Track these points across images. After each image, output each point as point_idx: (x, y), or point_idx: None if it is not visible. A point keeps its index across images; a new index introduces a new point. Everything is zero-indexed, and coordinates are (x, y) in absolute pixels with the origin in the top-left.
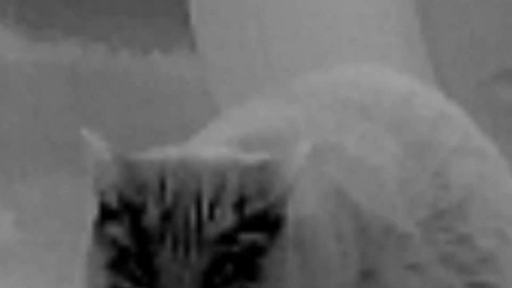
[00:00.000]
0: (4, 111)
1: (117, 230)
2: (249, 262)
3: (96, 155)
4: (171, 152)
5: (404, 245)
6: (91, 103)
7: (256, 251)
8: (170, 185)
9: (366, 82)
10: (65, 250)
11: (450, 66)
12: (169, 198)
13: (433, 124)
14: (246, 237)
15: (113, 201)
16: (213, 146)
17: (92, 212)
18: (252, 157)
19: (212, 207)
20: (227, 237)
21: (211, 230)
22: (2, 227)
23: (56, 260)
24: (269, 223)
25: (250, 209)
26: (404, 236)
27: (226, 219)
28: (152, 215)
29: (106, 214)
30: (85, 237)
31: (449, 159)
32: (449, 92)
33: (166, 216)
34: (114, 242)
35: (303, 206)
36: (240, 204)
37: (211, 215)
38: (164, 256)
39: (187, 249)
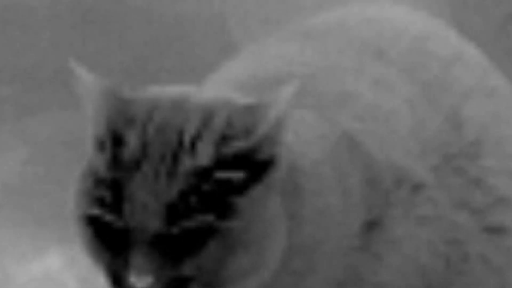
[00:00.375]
0: (17, 46)
1: (99, 160)
2: (220, 201)
3: (85, 87)
4: (169, 91)
5: (416, 198)
6: (105, 39)
7: (231, 190)
8: (156, 119)
9: (381, 21)
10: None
11: (467, 5)
12: (151, 131)
13: (447, 64)
14: (221, 175)
15: (100, 132)
16: (216, 87)
17: (88, 143)
18: (244, 99)
19: (193, 142)
20: (202, 173)
21: (187, 164)
22: (14, 162)
23: (66, 194)
24: (253, 163)
25: (230, 148)
26: (417, 187)
27: (204, 155)
28: (132, 147)
29: (96, 145)
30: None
31: (463, 99)
32: (465, 31)
33: (145, 148)
34: (93, 171)
35: (305, 154)
36: (221, 142)
37: (191, 150)
38: (135, 184)
39: (157, 179)
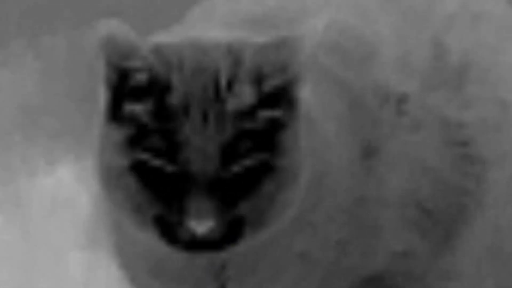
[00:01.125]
0: None
1: (138, 108)
2: (268, 137)
3: (121, 38)
4: (185, 34)
5: (402, 110)
6: None
7: (275, 127)
8: (188, 64)
9: None
10: (89, 100)
11: None
12: (189, 77)
13: None
14: (265, 114)
15: (141, 80)
16: (219, 27)
17: (104, 94)
18: (264, 37)
19: (230, 84)
20: (247, 114)
21: (231, 106)
22: (29, 78)
23: (81, 112)
24: (288, 98)
25: (268, 86)
26: (403, 97)
27: (245, 96)
28: (176, 93)
29: (126, 94)
30: (97, 121)
31: (446, 26)
32: None
33: (189, 93)
34: (132, 119)
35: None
36: (258, 81)
37: (230, 92)
38: (187, 130)
39: (208, 123)
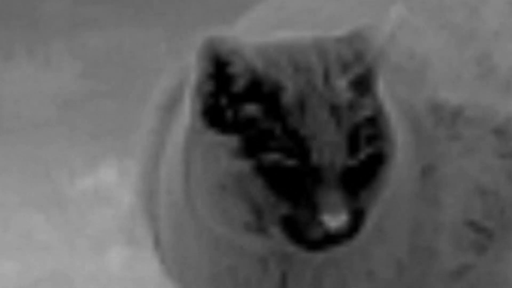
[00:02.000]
0: None
1: (253, 110)
2: (375, 124)
3: (221, 41)
4: (273, 36)
5: (458, 124)
6: None
7: (377, 113)
8: (293, 63)
9: None
10: (128, 100)
11: None
12: (295, 75)
13: (473, 7)
14: (367, 102)
15: (245, 84)
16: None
17: (195, 103)
18: (340, 31)
19: (334, 78)
20: (353, 103)
21: (340, 98)
22: (67, 77)
23: (120, 109)
24: (371, 86)
25: (355, 75)
26: (456, 112)
27: (341, 87)
28: (289, 92)
29: (232, 99)
30: (181, 132)
31: (492, 44)
32: None
33: (299, 91)
34: (249, 123)
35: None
36: (346, 71)
37: (327, 84)
38: (310, 127)
39: (327, 116)
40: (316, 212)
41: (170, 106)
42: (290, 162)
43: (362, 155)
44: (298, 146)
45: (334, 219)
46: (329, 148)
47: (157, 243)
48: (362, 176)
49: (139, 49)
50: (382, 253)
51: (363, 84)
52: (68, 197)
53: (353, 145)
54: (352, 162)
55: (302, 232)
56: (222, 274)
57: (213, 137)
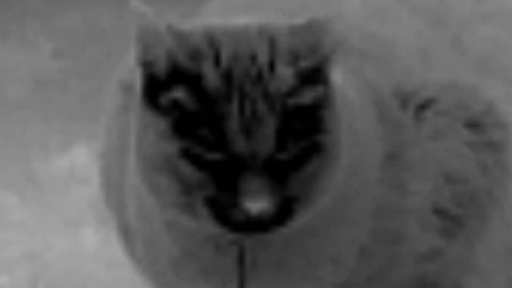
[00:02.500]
0: None
1: (178, 95)
2: (313, 116)
3: (147, 26)
4: (211, 21)
5: (422, 115)
6: None
7: (318, 105)
8: (224, 49)
9: None
10: (104, 79)
11: None
12: (224, 61)
13: None
14: (307, 92)
15: (164, 69)
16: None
17: (139, 83)
18: (296, 19)
19: (269, 66)
20: (290, 93)
21: (273, 87)
22: (42, 57)
23: (95, 89)
24: (323, 77)
25: (304, 66)
26: (424, 104)
27: (285, 76)
28: (210, 78)
29: (160, 83)
30: (134, 112)
31: (461, 28)
32: None
33: (226, 78)
34: (175, 107)
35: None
36: (294, 61)
37: (271, 73)
38: (234, 115)
39: (254, 106)
40: (237, 197)
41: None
42: (211, 156)
43: (293, 148)
44: (221, 135)
45: (255, 205)
46: (253, 139)
47: (126, 233)
48: (292, 165)
49: (114, 29)
50: (344, 238)
51: (310, 76)
52: (42, 177)
53: (283, 138)
54: (280, 156)
55: (226, 214)
56: (185, 258)
57: (147, 117)
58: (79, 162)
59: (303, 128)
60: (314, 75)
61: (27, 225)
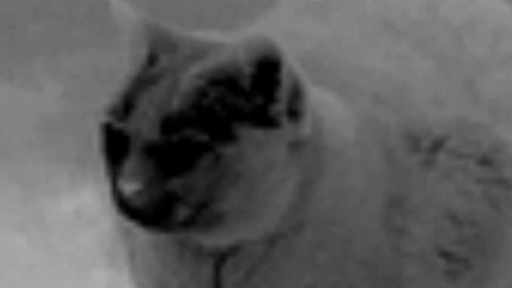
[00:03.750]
0: None
1: (126, 76)
2: (219, 123)
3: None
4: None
5: (434, 158)
6: None
7: (233, 115)
8: (180, 52)
9: None
10: None
11: None
12: (177, 60)
13: (458, 35)
14: (213, 95)
15: (138, 52)
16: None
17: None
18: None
19: (192, 70)
20: (199, 92)
21: (185, 82)
22: (49, 98)
23: None
24: (259, 107)
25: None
26: (436, 145)
27: (198, 78)
28: (159, 67)
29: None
30: None
31: (476, 72)
32: None
33: (165, 72)
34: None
35: (336, 134)
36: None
37: (189, 74)
38: (144, 96)
39: (162, 93)
40: (117, 176)
41: None
42: (117, 125)
43: (169, 139)
44: (125, 112)
45: (128, 187)
46: (141, 120)
47: (133, 261)
48: (177, 161)
49: (119, 70)
50: (319, 276)
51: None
52: (50, 219)
53: (166, 126)
54: (161, 139)
55: (113, 194)
56: (164, 276)
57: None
58: (86, 203)
59: (195, 125)
60: (239, 91)
61: (35, 266)
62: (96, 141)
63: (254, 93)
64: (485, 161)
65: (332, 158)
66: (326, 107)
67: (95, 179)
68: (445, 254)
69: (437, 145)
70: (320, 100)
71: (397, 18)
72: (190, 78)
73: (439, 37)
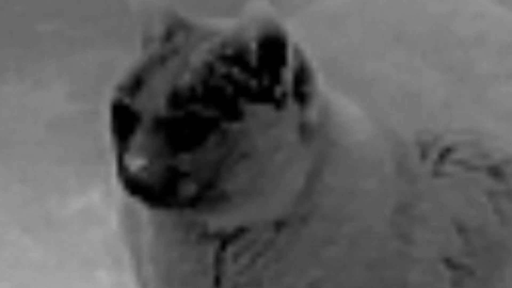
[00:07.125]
0: None
1: (140, 55)
2: (228, 100)
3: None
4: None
5: (441, 166)
6: None
7: (241, 93)
8: (193, 35)
9: (401, 2)
10: None
11: None
12: (192, 39)
13: (468, 47)
14: (222, 71)
15: (154, 31)
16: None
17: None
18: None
19: (201, 49)
20: (209, 68)
21: (194, 57)
22: (58, 98)
23: None
24: (267, 87)
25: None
26: (445, 152)
27: (208, 52)
28: (172, 44)
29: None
30: None
31: (485, 85)
32: None
33: (179, 49)
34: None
35: (351, 132)
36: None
37: (198, 51)
38: (155, 72)
39: (172, 69)
40: (124, 152)
41: None
42: (126, 101)
43: (176, 114)
44: (136, 88)
45: (133, 163)
46: (150, 95)
47: (138, 258)
48: (184, 137)
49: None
50: (323, 272)
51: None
52: (58, 218)
53: (174, 101)
54: (168, 113)
55: (120, 171)
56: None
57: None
58: (95, 203)
59: (203, 100)
60: (249, 69)
61: (43, 266)
62: (106, 136)
63: (260, 72)
64: (496, 173)
65: (342, 155)
66: (340, 105)
67: (103, 179)
68: (451, 263)
69: (447, 153)
70: (334, 97)
71: (409, 30)
72: (199, 53)
73: (450, 49)
